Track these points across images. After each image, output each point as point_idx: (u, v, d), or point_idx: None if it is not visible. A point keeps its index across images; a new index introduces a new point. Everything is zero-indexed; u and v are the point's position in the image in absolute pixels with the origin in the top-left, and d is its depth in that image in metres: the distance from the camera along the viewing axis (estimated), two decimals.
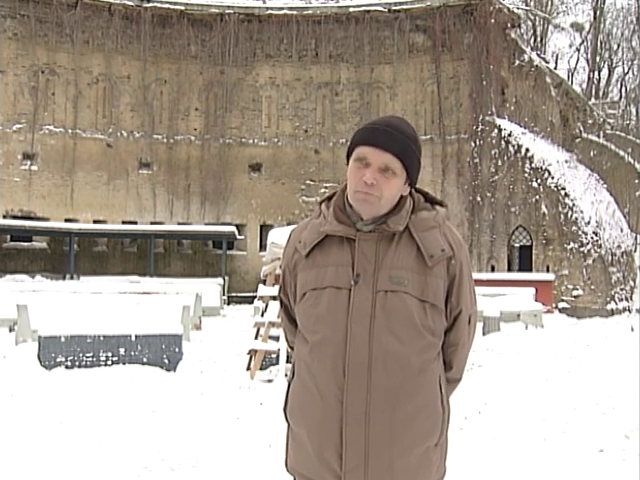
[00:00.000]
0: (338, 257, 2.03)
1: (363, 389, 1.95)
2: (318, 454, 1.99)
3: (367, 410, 1.94)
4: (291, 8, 28.38)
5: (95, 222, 26.82)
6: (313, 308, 2.03)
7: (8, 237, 26.35)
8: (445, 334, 2.09)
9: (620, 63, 49.32)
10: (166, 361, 9.25)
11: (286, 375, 8.66)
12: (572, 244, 23.42)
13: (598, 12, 46.12)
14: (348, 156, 2.09)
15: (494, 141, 25.69)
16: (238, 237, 27.01)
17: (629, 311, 23.31)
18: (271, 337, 9.27)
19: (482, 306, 14.28)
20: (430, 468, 2.04)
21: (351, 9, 28.12)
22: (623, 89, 48.31)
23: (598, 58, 47.92)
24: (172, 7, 27.57)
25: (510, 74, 27.99)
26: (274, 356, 9.19)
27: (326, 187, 28.24)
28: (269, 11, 28.36)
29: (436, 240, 2.04)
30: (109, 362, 9.04)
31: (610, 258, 23.50)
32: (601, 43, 47.76)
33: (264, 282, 10.17)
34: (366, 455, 1.95)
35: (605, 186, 26.13)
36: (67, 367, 8.85)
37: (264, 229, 26.85)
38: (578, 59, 49.95)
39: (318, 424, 1.99)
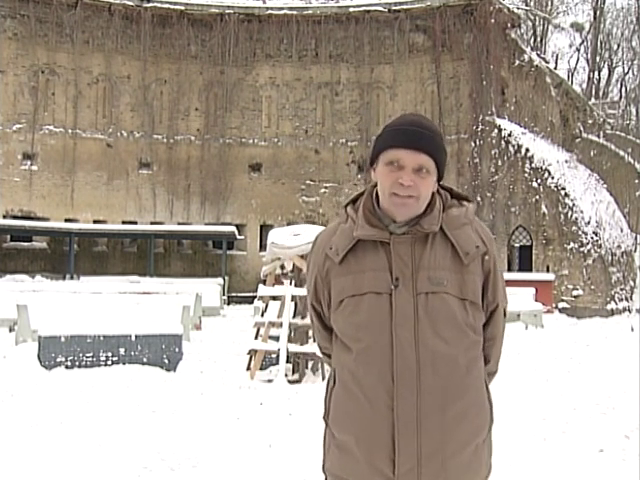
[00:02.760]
0: (374, 262, 2.00)
1: (413, 393, 1.93)
2: (368, 460, 1.96)
3: (418, 414, 1.93)
4: (291, 8, 28.38)
5: (95, 222, 26.81)
6: (353, 315, 2.00)
7: (8, 237, 26.35)
8: (482, 329, 2.09)
9: (620, 63, 49.38)
10: (166, 361, 9.25)
11: (286, 375, 8.66)
12: (572, 244, 23.42)
13: (598, 12, 46.12)
14: (373, 160, 2.06)
15: (494, 141, 25.69)
16: (238, 237, 27.00)
17: (629, 311, 23.31)
18: (271, 337, 9.27)
19: None
20: (480, 465, 2.05)
21: (351, 9, 28.12)
22: (623, 89, 48.35)
23: (598, 58, 47.92)
24: (172, 7, 27.56)
25: (510, 74, 27.99)
26: (274, 356, 9.18)
27: (326, 187, 28.27)
28: (269, 11, 28.36)
29: (469, 237, 2.03)
30: (109, 362, 9.04)
31: (610, 258, 23.50)
32: (601, 43, 47.76)
33: (264, 282, 10.17)
34: (419, 458, 1.93)
35: (605, 186, 26.13)
36: (67, 367, 8.86)
37: (264, 229, 26.85)
38: (578, 59, 50.00)
39: (367, 431, 1.96)
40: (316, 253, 2.13)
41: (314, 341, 2.27)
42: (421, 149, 1.98)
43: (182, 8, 27.68)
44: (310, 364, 9.13)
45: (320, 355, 2.37)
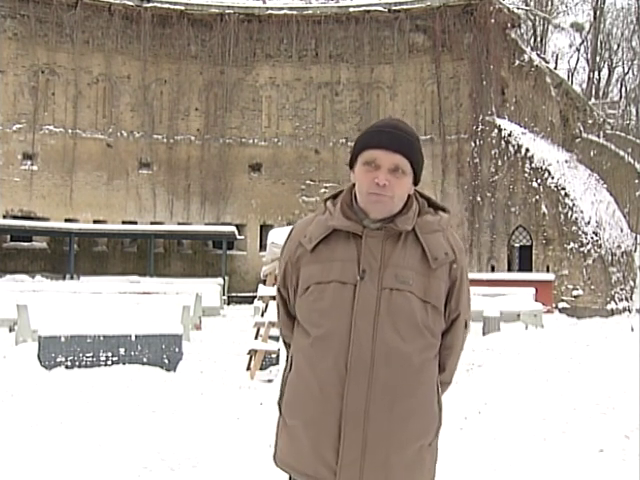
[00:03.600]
0: (344, 252, 2.05)
1: (364, 385, 1.96)
2: (314, 448, 1.99)
3: (367, 406, 1.96)
4: (291, 8, 28.38)
5: (95, 222, 26.82)
6: (317, 302, 2.04)
7: (8, 237, 26.35)
8: (441, 336, 2.12)
9: (620, 63, 49.39)
10: (166, 361, 9.25)
11: None
12: (572, 244, 23.42)
13: (598, 12, 46.11)
14: (352, 161, 2.12)
15: (494, 141, 25.69)
16: (238, 237, 27.01)
17: (629, 311, 23.31)
18: (271, 337, 9.27)
19: (482, 306, 14.28)
20: (423, 467, 2.07)
21: (351, 9, 28.12)
22: (623, 89, 48.36)
23: (598, 58, 47.92)
24: (172, 7, 27.56)
25: (510, 74, 27.99)
26: (274, 356, 9.19)
27: (326, 187, 28.24)
28: (269, 11, 28.36)
29: (440, 243, 2.08)
30: (109, 362, 9.04)
31: (610, 258, 23.50)
32: (601, 43, 47.76)
33: (264, 282, 10.17)
34: (363, 450, 1.96)
35: (605, 186, 26.12)
36: (67, 367, 8.85)
37: (264, 229, 26.86)
38: (578, 59, 50.01)
39: (316, 418, 2.00)
40: (290, 241, 2.20)
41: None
42: (397, 150, 2.04)
43: (182, 8, 27.68)
44: None
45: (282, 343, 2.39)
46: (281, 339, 2.34)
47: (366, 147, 2.07)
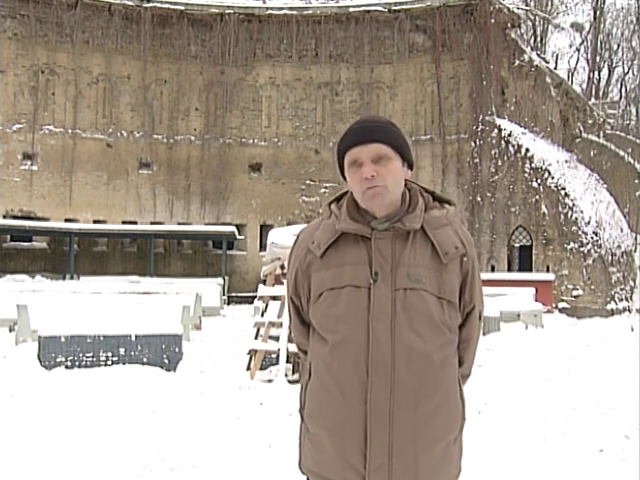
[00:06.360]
0: (355, 256, 2.03)
1: (387, 387, 1.95)
2: (340, 454, 1.98)
3: (391, 408, 1.95)
4: (291, 8, 28.38)
5: (95, 222, 26.83)
6: (332, 308, 2.02)
7: (8, 237, 26.35)
8: (458, 330, 2.11)
9: (620, 63, 49.43)
10: (166, 361, 9.25)
11: (286, 375, 8.65)
12: (572, 244, 23.42)
13: (598, 12, 46.13)
14: (342, 169, 2.11)
15: (494, 141, 25.69)
16: (238, 237, 27.01)
17: (629, 311, 23.30)
18: (271, 337, 9.27)
19: None
20: (451, 463, 2.06)
21: (351, 9, 28.13)
22: (623, 89, 48.39)
23: (598, 58, 47.95)
24: (172, 7, 27.57)
25: (510, 74, 27.99)
26: (274, 356, 9.18)
27: (326, 187, 28.26)
28: (269, 11, 28.37)
29: (449, 238, 2.06)
30: (109, 362, 9.04)
31: (610, 258, 23.49)
32: (601, 43, 47.78)
33: (264, 282, 10.17)
34: (390, 453, 1.94)
35: (605, 186, 26.12)
36: (67, 367, 8.86)
37: (264, 229, 26.86)
38: (578, 59, 50.09)
39: (340, 424, 1.98)
40: (298, 247, 2.16)
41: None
42: (371, 139, 2.02)
43: (182, 8, 27.69)
44: None
45: (297, 351, 2.36)
46: (297, 348, 2.30)
47: (345, 150, 2.06)
